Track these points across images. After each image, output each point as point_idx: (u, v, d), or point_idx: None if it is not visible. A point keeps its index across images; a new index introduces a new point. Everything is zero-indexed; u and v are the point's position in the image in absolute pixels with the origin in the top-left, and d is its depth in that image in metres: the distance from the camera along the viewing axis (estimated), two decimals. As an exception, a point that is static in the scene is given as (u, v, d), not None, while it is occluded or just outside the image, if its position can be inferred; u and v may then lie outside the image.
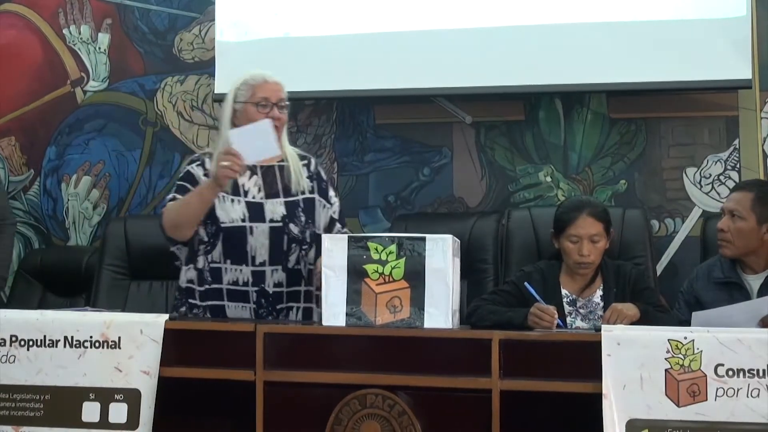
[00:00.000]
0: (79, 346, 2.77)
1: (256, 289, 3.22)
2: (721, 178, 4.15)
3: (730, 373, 2.43)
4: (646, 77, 4.03)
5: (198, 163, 3.33)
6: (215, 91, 4.46)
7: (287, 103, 3.29)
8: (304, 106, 4.53)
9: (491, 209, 4.30)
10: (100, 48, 4.77)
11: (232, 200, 3.24)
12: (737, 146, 4.14)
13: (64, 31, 4.81)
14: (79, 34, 4.79)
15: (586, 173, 4.29)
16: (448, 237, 2.71)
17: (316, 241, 3.18)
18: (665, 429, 2.44)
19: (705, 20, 3.99)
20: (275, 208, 3.25)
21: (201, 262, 3.26)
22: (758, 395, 2.41)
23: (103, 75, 4.76)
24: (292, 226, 3.24)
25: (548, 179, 4.32)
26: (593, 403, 2.47)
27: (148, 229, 4.31)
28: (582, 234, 3.14)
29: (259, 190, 3.27)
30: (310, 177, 3.34)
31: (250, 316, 3.20)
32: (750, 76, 3.95)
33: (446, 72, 4.19)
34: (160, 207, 3.73)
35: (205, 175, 3.26)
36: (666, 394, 2.44)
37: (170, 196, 3.31)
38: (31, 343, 2.79)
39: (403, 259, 2.68)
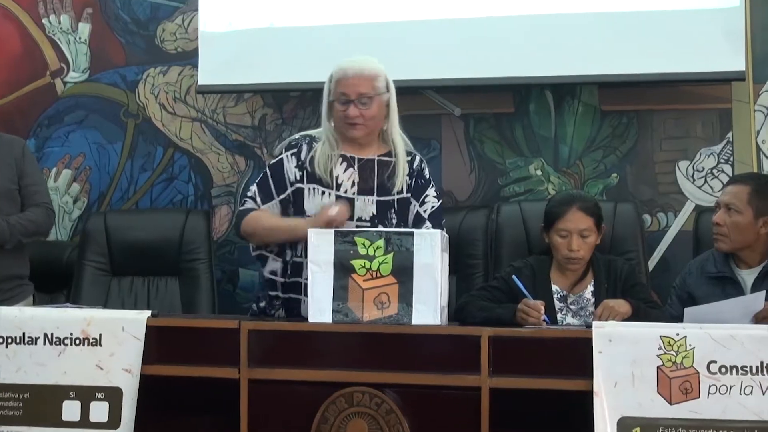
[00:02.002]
0: (59, 344, 2.76)
1: None
2: (714, 171, 4.16)
3: (723, 370, 2.44)
4: (638, 69, 4.03)
5: (294, 151, 3.22)
6: (199, 83, 4.45)
7: (376, 95, 3.14)
8: (289, 97, 4.52)
9: (480, 203, 4.30)
10: (80, 38, 4.75)
11: (323, 192, 3.16)
12: (730, 139, 4.15)
13: (44, 20, 4.78)
14: (59, 23, 4.77)
15: (577, 166, 4.29)
16: (437, 232, 2.71)
17: None
18: (657, 427, 2.45)
19: (698, 11, 4.00)
20: (366, 207, 3.16)
21: (288, 254, 3.18)
22: (751, 392, 2.42)
23: (84, 66, 4.74)
24: (380, 227, 3.07)
25: (538, 173, 4.32)
26: (584, 401, 2.48)
27: (129, 223, 4.32)
28: (571, 228, 3.15)
29: (353, 185, 3.17)
30: (410, 175, 3.22)
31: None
32: (743, 68, 3.97)
33: (434, 63, 4.19)
34: (241, 198, 3.57)
35: (298, 166, 3.18)
36: (658, 392, 2.45)
37: (253, 189, 3.22)
38: (9, 340, 2.78)
39: (391, 254, 2.68)
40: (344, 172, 3.18)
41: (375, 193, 3.17)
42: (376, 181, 3.18)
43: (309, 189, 3.17)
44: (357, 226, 3.07)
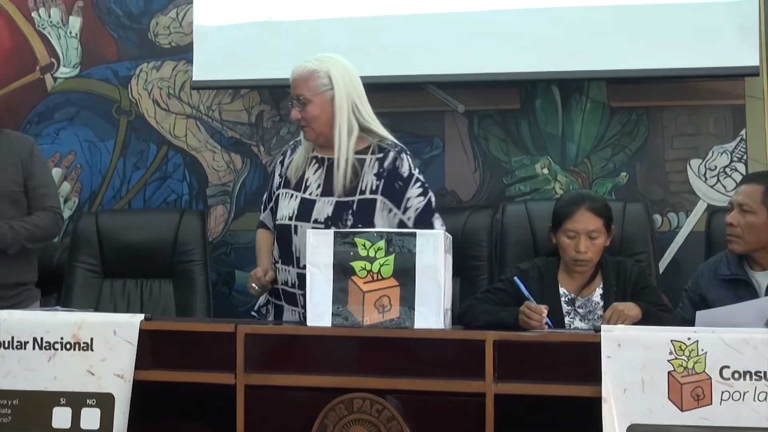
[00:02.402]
0: (49, 348, 2.76)
1: (302, 292, 3.13)
2: (727, 170, 4.16)
3: (736, 375, 2.43)
4: (648, 64, 4.04)
5: (281, 158, 3.36)
6: (193, 78, 4.45)
7: (314, 95, 3.15)
8: (287, 93, 4.51)
9: (485, 203, 4.31)
10: (71, 32, 4.76)
11: (291, 195, 3.22)
12: (744, 136, 4.16)
13: (33, 14, 4.79)
14: (49, 17, 4.78)
15: (585, 165, 4.29)
16: (440, 232, 2.71)
17: None
18: (668, 434, 2.45)
19: (710, 3, 4.00)
20: (323, 208, 3.17)
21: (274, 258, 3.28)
22: (765, 399, 2.42)
23: (75, 61, 4.74)
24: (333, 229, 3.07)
25: (545, 171, 4.32)
26: (592, 408, 2.48)
27: (122, 224, 4.33)
28: (579, 229, 3.15)
29: (318, 186, 3.20)
30: (378, 175, 3.16)
31: (299, 320, 3.15)
32: (757, 63, 3.97)
33: (437, 58, 4.19)
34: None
35: (280, 173, 3.30)
36: (669, 398, 2.45)
37: (265, 195, 3.39)
38: (-2, 344, 2.79)
39: (392, 255, 2.68)
40: (314, 173, 3.22)
41: (336, 194, 3.16)
42: (341, 182, 3.16)
43: (282, 194, 3.24)
44: (312, 229, 3.07)
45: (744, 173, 4.09)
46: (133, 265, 4.09)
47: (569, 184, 4.28)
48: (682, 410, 2.44)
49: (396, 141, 3.23)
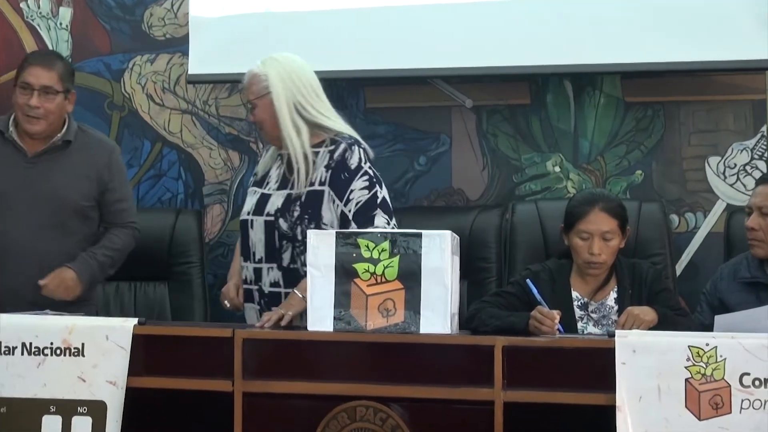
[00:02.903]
0: (39, 354, 2.77)
1: (256, 287, 3.26)
2: (747, 168, 4.16)
3: (757, 383, 2.44)
4: (664, 57, 4.03)
5: (259, 159, 3.55)
6: (189, 72, 4.46)
7: (257, 98, 3.27)
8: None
9: (494, 202, 4.31)
10: (61, 24, 4.76)
11: (254, 192, 3.34)
12: (765, 133, 4.15)
13: (22, 4, 4.79)
14: (38, 8, 4.78)
15: (599, 163, 4.29)
16: (447, 233, 2.71)
17: None
18: (685, 445, 2.45)
19: (730, -7, 4.00)
20: (276, 201, 3.25)
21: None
22: (787, 407, 2.42)
23: (65, 53, 4.74)
24: (282, 221, 3.20)
25: (557, 169, 4.32)
26: (606, 417, 2.48)
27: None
28: (593, 230, 3.14)
29: (276, 181, 3.30)
30: (327, 165, 3.22)
31: (257, 317, 3.21)
32: (780, 56, 3.97)
33: (444, 51, 4.19)
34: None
35: (254, 173, 3.45)
36: (686, 407, 2.45)
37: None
38: (-15, 350, 2.79)
39: (397, 257, 2.68)
40: (276, 169, 3.33)
41: (289, 187, 3.25)
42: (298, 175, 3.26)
43: (249, 192, 3.40)
44: (265, 221, 3.23)
45: (765, 171, 4.08)
46: (126, 267, 4.07)
47: (582, 183, 4.28)
48: (699, 419, 2.44)
49: (353, 134, 3.30)
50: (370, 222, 3.14)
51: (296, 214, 3.19)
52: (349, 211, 3.17)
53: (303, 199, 3.20)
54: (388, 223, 3.17)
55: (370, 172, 3.23)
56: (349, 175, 3.20)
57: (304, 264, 3.06)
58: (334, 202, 3.20)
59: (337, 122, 3.29)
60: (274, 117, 3.23)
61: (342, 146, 3.23)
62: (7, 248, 3.49)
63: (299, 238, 3.18)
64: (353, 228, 3.09)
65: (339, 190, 3.19)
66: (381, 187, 3.23)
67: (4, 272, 3.47)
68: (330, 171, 3.20)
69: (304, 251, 3.08)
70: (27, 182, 3.53)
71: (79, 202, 3.57)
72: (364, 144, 3.28)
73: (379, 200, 3.20)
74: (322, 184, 3.20)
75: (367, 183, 3.20)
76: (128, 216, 3.69)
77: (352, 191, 3.19)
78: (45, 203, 3.52)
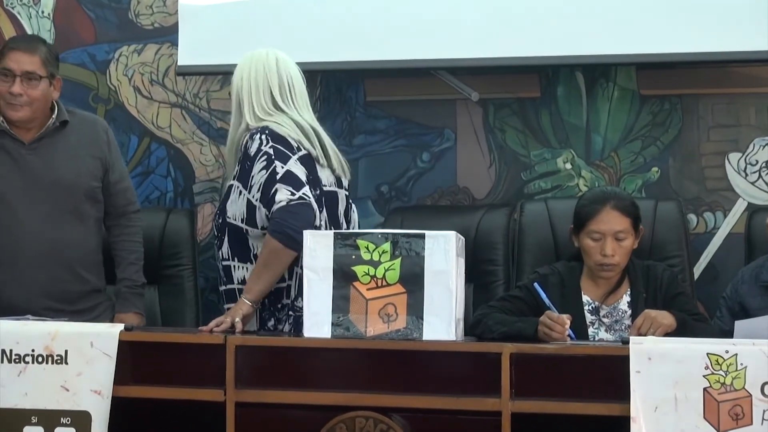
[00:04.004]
0: (20, 362, 2.77)
1: (223, 288, 3.34)
2: (770, 165, 4.17)
3: (779, 392, 2.44)
4: (682, 47, 4.03)
5: None
6: (179, 63, 4.45)
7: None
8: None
9: (501, 201, 4.31)
10: (43, 12, 4.76)
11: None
12: (788, 128, 4.16)
13: (1, -8, 4.80)
14: (19, -5, 4.79)
15: (612, 159, 4.29)
16: (451, 234, 2.72)
17: (226, 232, 3.25)
18: (703, 458, 2.45)
19: (751, -19, 4.00)
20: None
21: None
22: (811, 418, 2.42)
23: (48, 44, 4.75)
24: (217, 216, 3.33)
25: (568, 166, 4.32)
26: (620, 428, 2.48)
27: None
28: (605, 230, 3.15)
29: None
30: (237, 160, 3.29)
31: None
32: (803, 47, 3.97)
33: (449, 41, 4.19)
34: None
35: None
36: (704, 417, 2.45)
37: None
38: (-37, 357, 2.79)
39: (399, 259, 2.69)
40: None
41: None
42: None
43: None
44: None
45: (788, 169, 4.09)
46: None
47: (594, 181, 4.28)
48: (719, 431, 2.44)
49: (261, 125, 3.28)
50: (273, 200, 3.12)
51: (216, 210, 3.38)
52: (253, 197, 3.19)
53: (222, 195, 3.34)
54: (293, 194, 3.11)
55: (270, 151, 3.20)
56: (250, 162, 3.22)
57: (223, 259, 3.27)
58: (241, 194, 3.23)
59: (262, 119, 3.28)
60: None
61: (246, 136, 3.27)
62: (21, 241, 3.51)
63: (215, 233, 3.31)
64: (263, 213, 3.13)
65: (244, 180, 3.22)
66: (285, 162, 3.19)
67: (19, 271, 3.50)
68: (239, 165, 3.26)
69: (220, 246, 3.27)
70: (32, 169, 3.55)
71: (90, 182, 3.61)
72: (274, 129, 3.24)
73: (279, 175, 3.16)
74: (234, 178, 3.27)
75: (264, 163, 3.19)
76: (131, 195, 3.76)
77: (252, 177, 3.20)
78: (56, 188, 3.55)
